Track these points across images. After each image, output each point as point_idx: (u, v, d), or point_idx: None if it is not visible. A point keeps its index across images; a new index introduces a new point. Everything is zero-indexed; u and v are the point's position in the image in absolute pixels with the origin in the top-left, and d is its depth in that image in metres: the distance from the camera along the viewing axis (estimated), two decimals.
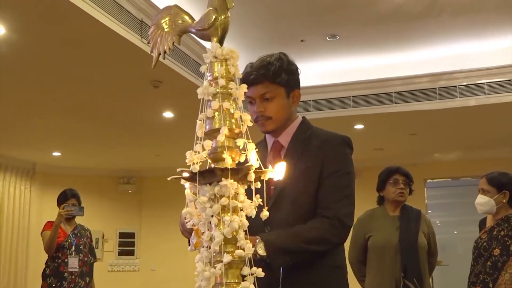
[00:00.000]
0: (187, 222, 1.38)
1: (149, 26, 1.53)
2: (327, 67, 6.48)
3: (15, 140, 7.68)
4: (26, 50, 4.62)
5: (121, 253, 10.05)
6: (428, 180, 9.40)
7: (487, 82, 6.09)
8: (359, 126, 7.11)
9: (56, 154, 8.65)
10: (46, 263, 4.86)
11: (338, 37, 5.69)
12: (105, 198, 9.79)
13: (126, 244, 10.08)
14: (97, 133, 7.36)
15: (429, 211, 9.39)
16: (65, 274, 4.74)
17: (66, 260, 4.76)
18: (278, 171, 1.25)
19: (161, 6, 4.03)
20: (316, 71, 6.53)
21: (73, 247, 4.82)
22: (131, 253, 10.12)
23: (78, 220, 5.05)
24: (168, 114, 6.49)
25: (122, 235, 10.08)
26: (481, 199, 3.37)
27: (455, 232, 11.09)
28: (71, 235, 4.87)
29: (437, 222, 11.86)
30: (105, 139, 7.77)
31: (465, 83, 6.18)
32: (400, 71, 6.32)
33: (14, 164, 8.76)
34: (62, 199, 4.92)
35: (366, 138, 7.72)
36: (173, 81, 5.24)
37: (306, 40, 5.75)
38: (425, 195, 9.25)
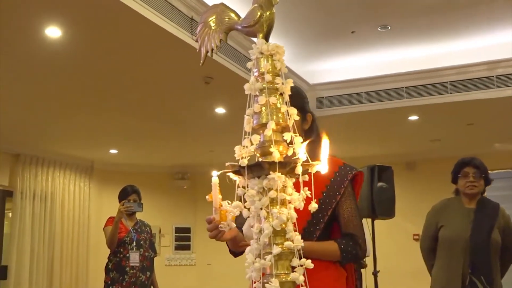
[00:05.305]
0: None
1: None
2: (379, 58, 6.37)
3: (74, 139, 7.92)
4: (81, 51, 4.76)
5: (177, 248, 10.19)
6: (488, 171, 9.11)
7: None
8: (413, 118, 6.98)
9: (113, 151, 8.86)
10: (108, 258, 4.97)
11: (389, 28, 5.59)
12: (161, 194, 9.91)
13: (182, 239, 10.21)
14: (152, 130, 7.50)
15: None
16: (127, 269, 4.85)
17: (127, 255, 4.87)
18: (324, 165, 1.26)
19: (210, 3, 4.08)
20: (368, 62, 6.45)
21: (134, 242, 4.92)
22: (187, 247, 10.25)
23: (139, 215, 5.17)
24: (220, 110, 6.55)
25: (178, 230, 10.21)
26: None
27: None
28: (132, 230, 4.97)
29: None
30: (160, 136, 7.91)
31: None
32: (455, 60, 6.15)
33: (73, 162, 8.99)
34: (123, 195, 5.02)
35: (422, 129, 7.57)
36: (224, 77, 5.29)
37: (356, 31, 5.67)
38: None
